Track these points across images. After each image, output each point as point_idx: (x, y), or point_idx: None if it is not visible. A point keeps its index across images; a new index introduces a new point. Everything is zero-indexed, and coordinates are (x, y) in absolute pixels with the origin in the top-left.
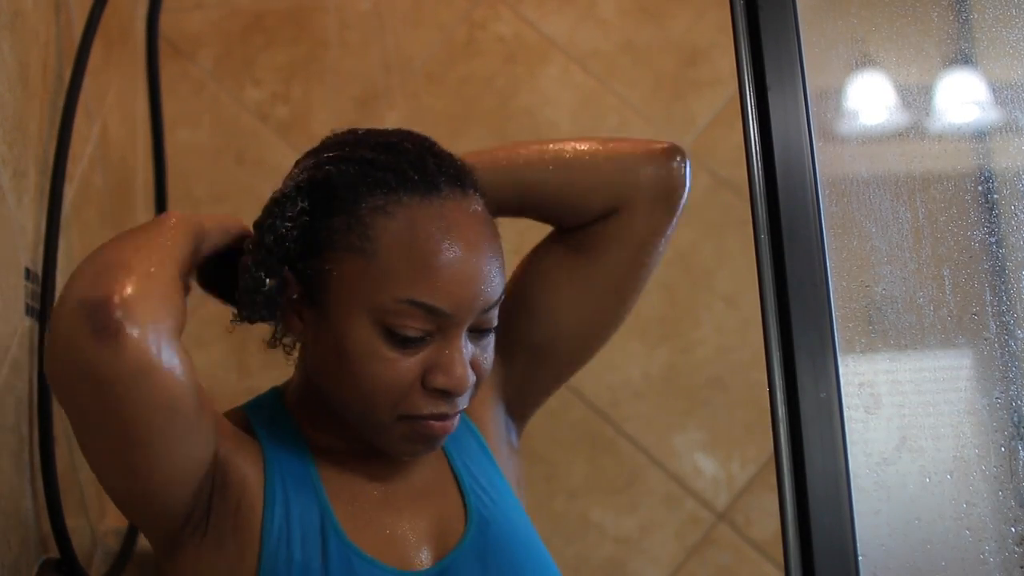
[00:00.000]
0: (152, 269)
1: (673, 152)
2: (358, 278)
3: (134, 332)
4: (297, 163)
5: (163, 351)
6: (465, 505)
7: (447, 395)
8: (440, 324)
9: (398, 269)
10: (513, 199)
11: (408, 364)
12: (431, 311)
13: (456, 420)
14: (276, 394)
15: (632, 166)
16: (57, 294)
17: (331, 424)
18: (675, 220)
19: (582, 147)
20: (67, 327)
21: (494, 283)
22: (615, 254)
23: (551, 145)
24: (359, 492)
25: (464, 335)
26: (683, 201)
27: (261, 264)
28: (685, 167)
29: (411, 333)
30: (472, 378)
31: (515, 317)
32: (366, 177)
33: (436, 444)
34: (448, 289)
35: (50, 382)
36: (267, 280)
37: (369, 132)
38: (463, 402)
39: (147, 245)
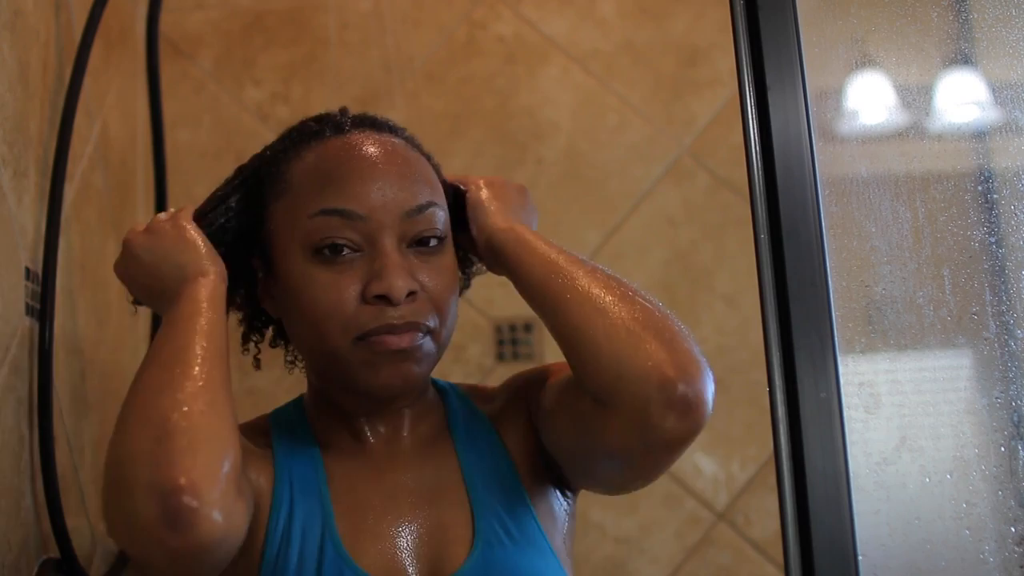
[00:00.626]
0: (203, 410)
1: (675, 384)
2: (284, 217)
3: (208, 514)
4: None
5: (234, 515)
6: (474, 528)
7: (386, 302)
8: (363, 232)
9: (307, 190)
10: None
11: (345, 281)
12: (344, 215)
13: (417, 339)
14: (298, 404)
15: (626, 372)
16: (57, 294)
17: (336, 419)
18: (650, 460)
19: (596, 317)
20: (137, 513)
21: (411, 187)
22: (592, 439)
23: (574, 288)
24: (363, 499)
25: (396, 245)
26: (663, 444)
27: (233, 270)
28: (684, 406)
29: (336, 243)
30: (411, 285)
31: (544, 398)
32: (286, 144)
33: (404, 370)
34: (354, 191)
35: (116, 543)
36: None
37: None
38: (417, 313)
39: (189, 373)
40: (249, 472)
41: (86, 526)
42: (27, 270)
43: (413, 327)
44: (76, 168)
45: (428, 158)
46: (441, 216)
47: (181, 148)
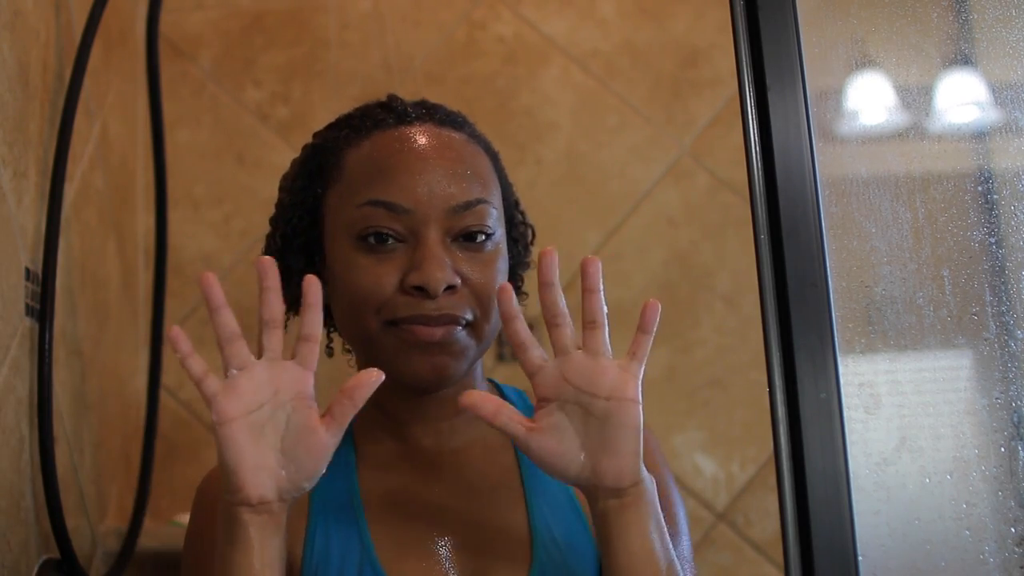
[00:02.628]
0: None
1: None
2: (336, 204)
3: None
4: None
5: None
6: (532, 549)
7: (424, 294)
8: (406, 224)
9: (359, 180)
10: None
11: (385, 269)
12: (389, 207)
13: (452, 332)
14: None
15: None
16: (57, 294)
17: (379, 419)
18: None
19: None
20: None
21: (460, 183)
22: None
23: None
24: (403, 513)
25: (440, 239)
26: None
27: (290, 249)
28: None
29: (380, 232)
30: (451, 279)
31: None
32: (345, 131)
33: (437, 363)
34: (402, 184)
35: None
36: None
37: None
38: (454, 306)
39: None
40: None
41: (86, 526)
42: (27, 270)
43: (450, 320)
44: (76, 168)
45: (490, 153)
46: (493, 213)
47: (181, 148)
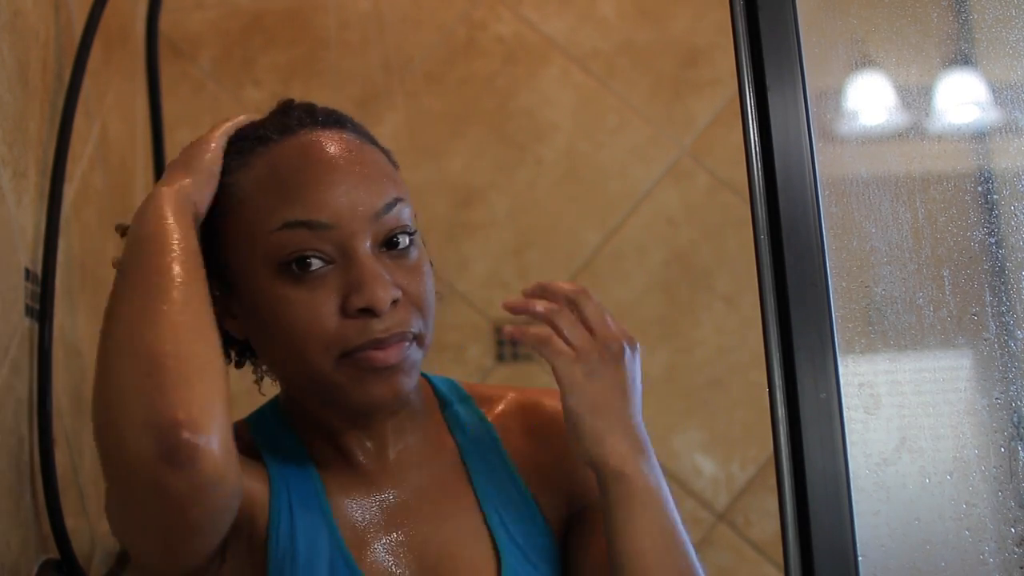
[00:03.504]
0: (192, 339)
1: None
2: (240, 234)
3: (206, 447)
4: None
5: (229, 457)
6: (495, 546)
7: (370, 314)
8: (333, 242)
9: (264, 203)
10: None
11: (321, 298)
12: (311, 226)
13: (404, 350)
14: (275, 406)
15: None
16: (57, 295)
17: (320, 434)
18: None
19: None
20: (133, 452)
21: (374, 186)
22: None
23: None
24: (365, 515)
25: (370, 251)
26: None
27: None
28: None
29: (304, 256)
30: (395, 293)
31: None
32: (228, 154)
33: (395, 386)
34: (317, 199)
35: (110, 494)
36: None
37: None
38: (402, 322)
39: (171, 299)
40: (246, 482)
41: (86, 527)
42: (27, 271)
43: (400, 338)
44: (76, 168)
45: (380, 147)
46: (407, 212)
47: (181, 148)
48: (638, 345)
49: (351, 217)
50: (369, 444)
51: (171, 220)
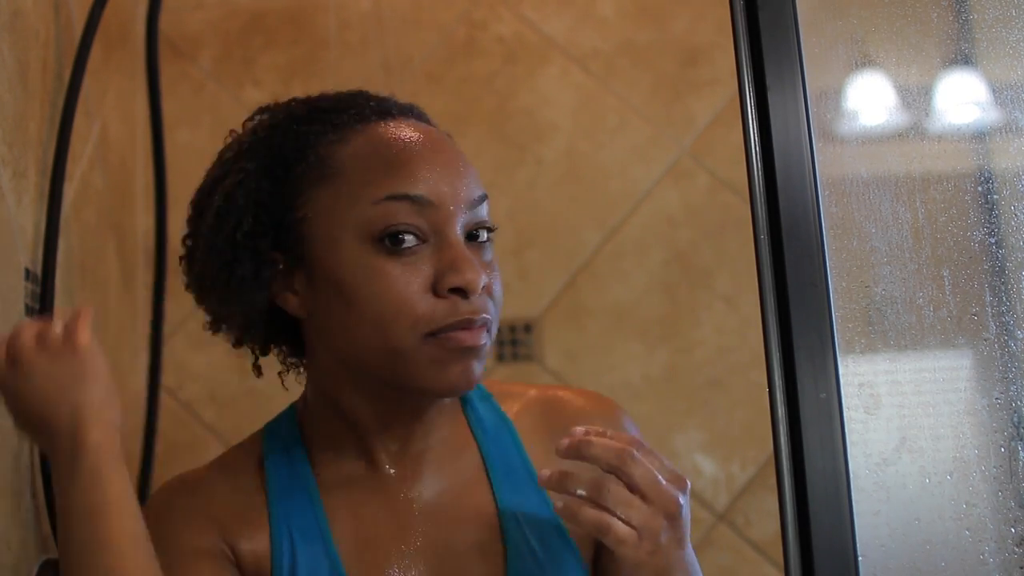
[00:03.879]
0: None
1: None
2: (332, 204)
3: None
4: (220, 154)
5: None
6: (506, 557)
7: (463, 295)
8: (429, 221)
9: (369, 173)
10: None
11: (413, 274)
12: (414, 200)
13: (486, 336)
14: (291, 417)
15: None
16: (57, 294)
17: (341, 434)
18: None
19: None
20: None
21: (471, 177)
22: None
23: None
24: (371, 531)
25: (461, 236)
26: None
27: (239, 257)
28: None
29: (402, 231)
30: (484, 279)
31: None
32: (311, 124)
33: (470, 370)
34: (423, 176)
35: None
36: (251, 268)
37: (292, 100)
38: (486, 308)
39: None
40: (240, 544)
41: None
42: (26, 270)
43: (483, 323)
44: (76, 168)
45: None
46: (488, 210)
47: (181, 148)
48: (688, 484)
49: (451, 200)
50: (393, 446)
51: (111, 468)
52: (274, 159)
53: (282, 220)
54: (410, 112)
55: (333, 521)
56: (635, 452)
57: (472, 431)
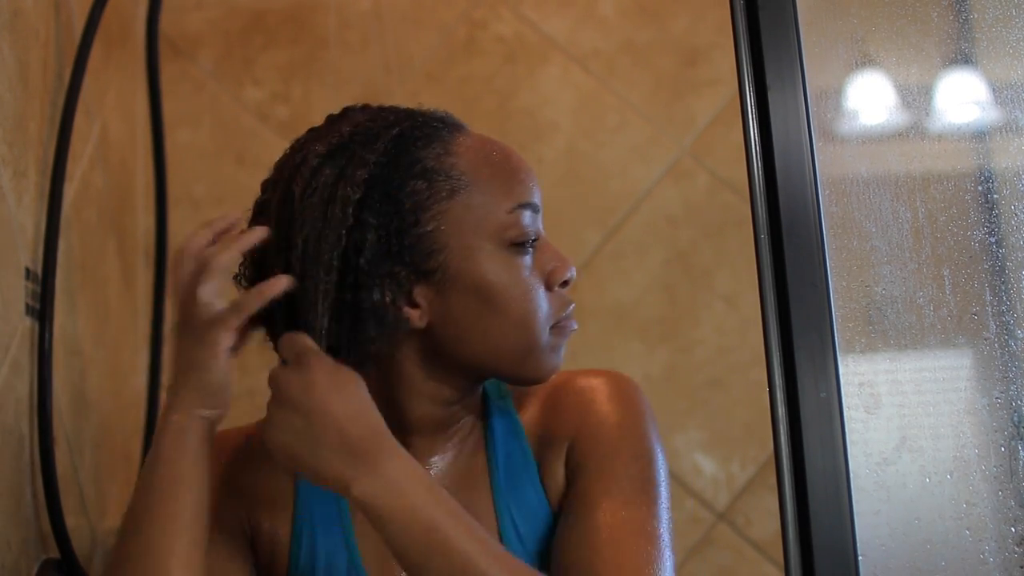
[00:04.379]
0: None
1: None
2: (469, 214)
3: None
4: (295, 168)
5: None
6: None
7: (565, 287)
8: (536, 225)
9: (494, 184)
10: None
11: (536, 274)
12: (531, 207)
13: None
14: None
15: None
16: (57, 294)
17: None
18: None
19: None
20: None
21: None
22: None
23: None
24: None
25: None
26: None
27: (365, 283)
28: None
29: (531, 236)
30: None
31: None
32: (413, 140)
33: (563, 354)
34: (531, 184)
35: None
36: (384, 296)
37: (356, 112)
38: None
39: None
40: (262, 522)
41: (86, 526)
42: (27, 270)
43: None
44: (76, 168)
45: None
46: None
47: (181, 148)
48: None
49: (541, 205)
50: (425, 449)
51: (181, 465)
52: (384, 176)
53: (405, 236)
54: (461, 122)
55: (356, 513)
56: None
57: (486, 448)
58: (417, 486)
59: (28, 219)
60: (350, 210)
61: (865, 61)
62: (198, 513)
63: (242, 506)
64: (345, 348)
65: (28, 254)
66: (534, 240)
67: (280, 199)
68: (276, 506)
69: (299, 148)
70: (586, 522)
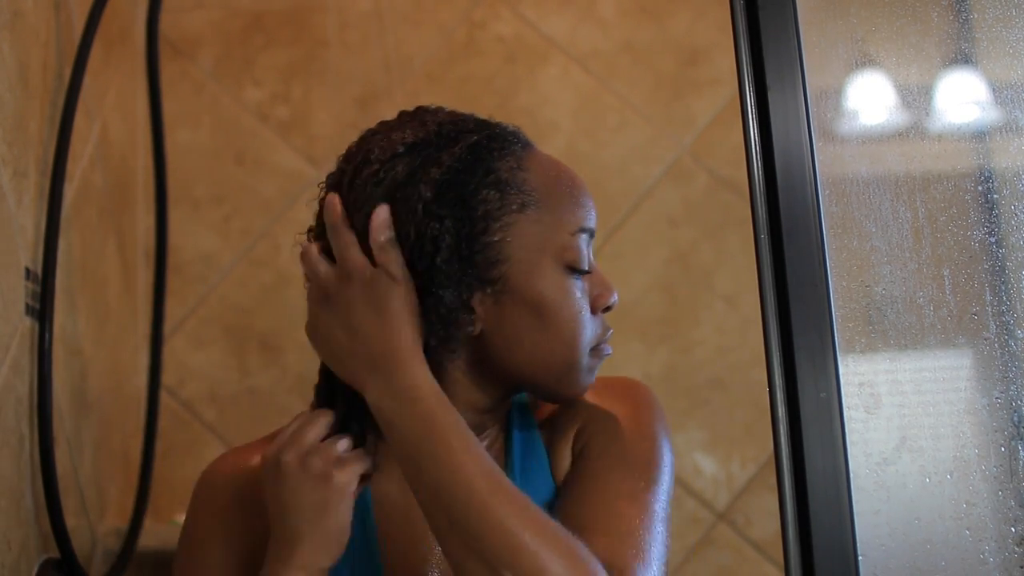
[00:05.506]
0: None
1: None
2: (535, 230)
3: None
4: (367, 173)
5: None
6: None
7: (607, 311)
8: (591, 248)
9: (562, 205)
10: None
11: (585, 298)
12: (591, 233)
13: None
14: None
15: None
16: (57, 294)
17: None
18: None
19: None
20: None
21: None
22: None
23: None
24: (413, 529)
25: None
26: None
27: (441, 283)
28: None
29: (587, 262)
30: None
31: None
32: (489, 150)
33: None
34: (591, 210)
35: None
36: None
37: (435, 112)
38: None
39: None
40: None
41: (86, 526)
42: (27, 270)
43: None
44: (76, 168)
45: None
46: None
47: (181, 148)
48: (380, 252)
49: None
50: None
51: None
52: (458, 181)
53: (475, 243)
54: (529, 140)
55: (378, 512)
56: (333, 224)
57: (505, 444)
58: (425, 397)
59: (28, 219)
60: (420, 206)
61: (865, 61)
62: None
63: (258, 518)
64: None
65: (28, 254)
66: (589, 266)
67: (350, 180)
68: None
69: (378, 134)
70: (584, 488)
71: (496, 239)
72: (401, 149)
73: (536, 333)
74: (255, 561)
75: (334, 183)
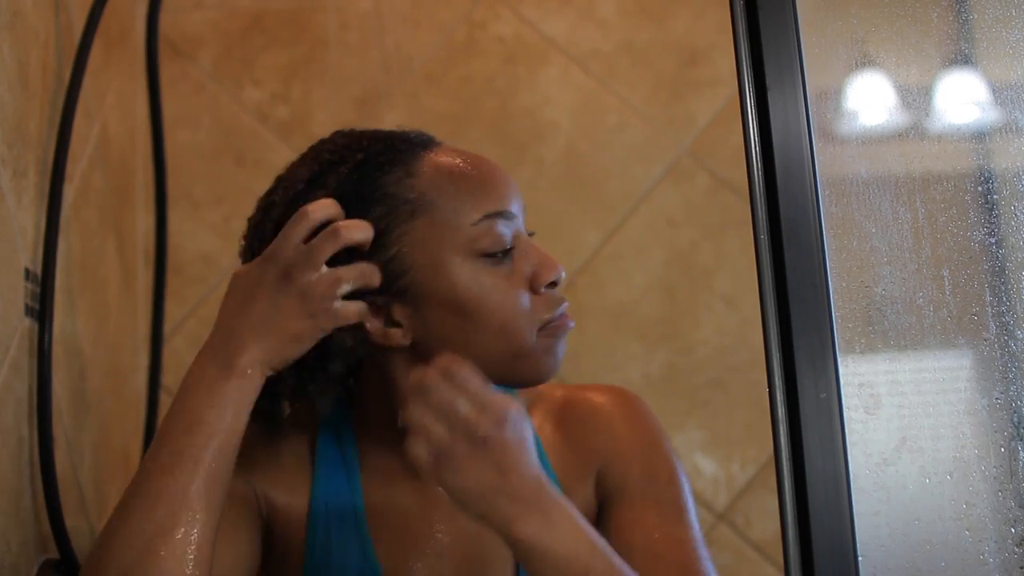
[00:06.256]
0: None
1: None
2: (431, 233)
3: None
4: (270, 204)
5: None
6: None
7: (553, 287)
8: (512, 230)
9: (459, 198)
10: None
11: (516, 280)
12: (503, 215)
13: None
14: (346, 411)
15: None
16: (57, 294)
17: (393, 440)
18: None
19: None
20: None
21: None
22: None
23: None
24: (403, 525)
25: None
26: None
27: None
28: None
29: (503, 245)
30: None
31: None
32: (375, 167)
33: (562, 352)
34: (502, 193)
35: None
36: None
37: (336, 138)
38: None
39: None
40: (277, 497)
41: (86, 526)
42: (27, 270)
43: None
44: (76, 168)
45: None
46: None
47: (181, 148)
48: (508, 409)
49: (519, 209)
50: None
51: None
52: (348, 207)
53: (376, 260)
54: (435, 140)
55: (369, 505)
56: (431, 382)
57: None
58: (579, 535)
59: (28, 219)
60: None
61: (865, 61)
62: (230, 463)
63: (253, 479)
64: (313, 378)
65: (28, 254)
66: (509, 248)
67: (262, 226)
68: (293, 484)
69: (283, 175)
70: (627, 542)
71: (393, 252)
72: (301, 187)
73: (465, 331)
74: (247, 514)
75: (255, 226)
